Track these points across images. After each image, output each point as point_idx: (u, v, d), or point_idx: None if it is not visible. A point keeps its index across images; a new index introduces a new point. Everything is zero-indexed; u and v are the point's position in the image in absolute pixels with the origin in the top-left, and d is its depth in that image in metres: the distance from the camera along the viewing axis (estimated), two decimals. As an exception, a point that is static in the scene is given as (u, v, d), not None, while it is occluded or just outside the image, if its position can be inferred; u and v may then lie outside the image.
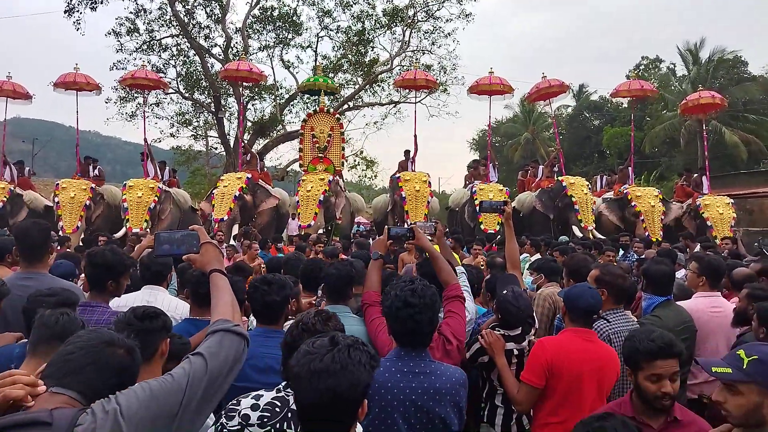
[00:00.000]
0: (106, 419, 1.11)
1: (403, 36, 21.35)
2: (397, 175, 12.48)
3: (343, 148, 13.51)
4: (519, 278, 3.42)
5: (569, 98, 32.47)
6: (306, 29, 21.80)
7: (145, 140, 13.05)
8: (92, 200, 11.42)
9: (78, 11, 18.86)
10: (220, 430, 1.73)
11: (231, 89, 19.91)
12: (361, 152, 23.59)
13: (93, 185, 11.72)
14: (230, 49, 20.84)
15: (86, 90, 12.77)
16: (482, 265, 5.07)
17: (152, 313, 1.88)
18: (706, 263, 3.51)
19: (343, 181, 14.17)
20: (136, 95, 19.84)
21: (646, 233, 11.04)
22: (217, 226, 10.62)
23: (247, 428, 1.70)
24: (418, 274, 2.90)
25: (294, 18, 21.37)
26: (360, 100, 22.48)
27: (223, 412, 1.77)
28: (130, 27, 20.36)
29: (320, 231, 10.88)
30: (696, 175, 13.46)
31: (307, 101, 21.59)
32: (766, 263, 4.05)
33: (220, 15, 20.82)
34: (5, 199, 11.37)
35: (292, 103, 22.54)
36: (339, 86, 19.94)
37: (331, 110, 13.92)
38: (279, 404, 1.74)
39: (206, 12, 20.81)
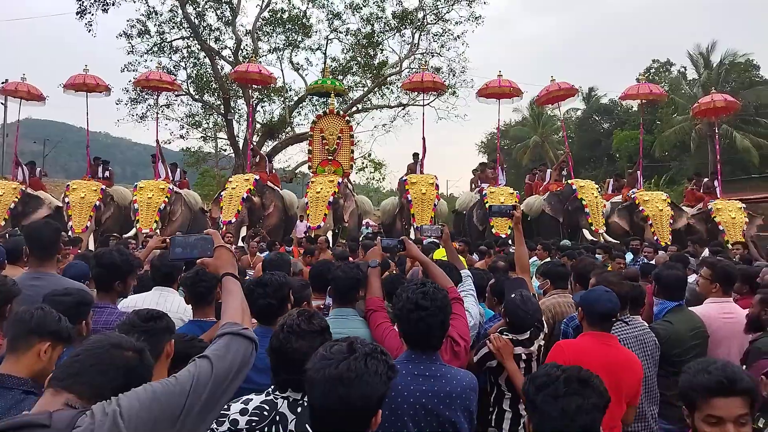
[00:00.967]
0: (105, 421, 1.10)
1: (413, 39, 21.38)
2: (404, 177, 12.45)
3: (353, 151, 13.49)
4: (528, 282, 3.39)
5: (578, 101, 32.42)
6: (315, 32, 21.92)
7: (157, 142, 13.12)
8: (102, 201, 11.51)
9: (90, 13, 19.13)
10: None
11: (240, 91, 19.97)
12: (370, 155, 23.63)
13: (103, 186, 11.82)
14: (240, 51, 20.95)
15: (96, 91, 12.90)
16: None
17: (156, 315, 1.89)
18: (720, 269, 3.45)
19: (352, 183, 14.18)
20: (146, 97, 20.01)
21: (655, 237, 10.96)
22: (225, 228, 10.64)
23: None
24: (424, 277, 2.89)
25: (303, 20, 21.44)
26: (369, 102, 22.50)
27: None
28: (141, 29, 20.53)
29: (329, 233, 10.87)
30: (707, 179, 13.34)
31: (316, 103, 21.66)
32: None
33: (230, 17, 20.96)
34: (17, 199, 11.48)
35: (301, 105, 22.61)
36: (348, 89, 19.97)
37: (341, 112, 13.94)
38: (267, 408, 1.72)
39: (216, 14, 20.97)
